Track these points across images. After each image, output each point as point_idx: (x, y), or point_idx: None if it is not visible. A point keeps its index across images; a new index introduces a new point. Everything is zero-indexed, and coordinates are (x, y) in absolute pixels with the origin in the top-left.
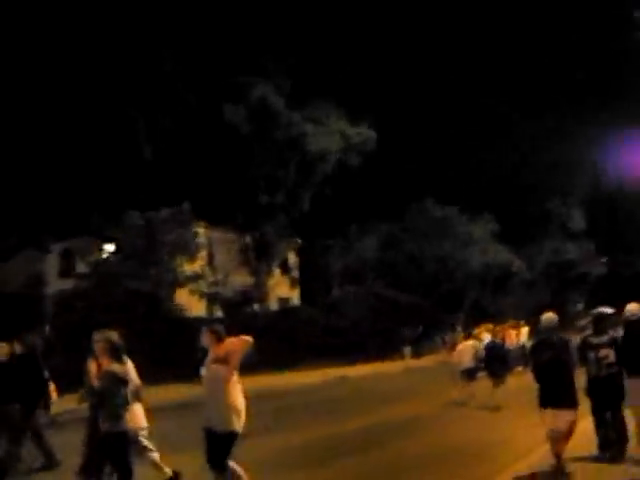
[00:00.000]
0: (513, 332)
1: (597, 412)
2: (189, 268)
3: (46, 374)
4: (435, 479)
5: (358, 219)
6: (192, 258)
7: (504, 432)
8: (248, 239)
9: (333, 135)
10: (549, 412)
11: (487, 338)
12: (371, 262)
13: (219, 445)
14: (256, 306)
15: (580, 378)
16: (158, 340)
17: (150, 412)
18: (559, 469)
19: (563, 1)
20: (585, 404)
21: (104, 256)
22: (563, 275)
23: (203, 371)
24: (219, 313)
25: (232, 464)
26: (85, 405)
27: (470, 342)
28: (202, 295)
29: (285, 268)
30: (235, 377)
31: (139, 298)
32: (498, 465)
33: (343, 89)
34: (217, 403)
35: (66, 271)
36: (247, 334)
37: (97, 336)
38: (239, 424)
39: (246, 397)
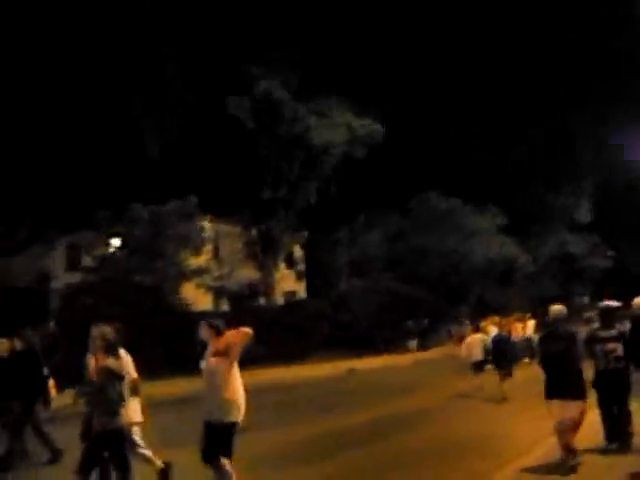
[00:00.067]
0: (519, 325)
1: (604, 405)
2: (195, 262)
3: (46, 370)
4: (433, 473)
5: (364, 212)
6: (198, 252)
7: (510, 425)
8: (254, 232)
9: (338, 128)
10: (556, 403)
11: (494, 331)
12: (377, 255)
13: (219, 437)
14: (262, 300)
15: (587, 371)
16: (164, 334)
17: (155, 406)
18: (567, 460)
19: None
20: (592, 397)
21: (110, 250)
22: (568, 268)
23: (203, 364)
24: (225, 307)
25: (225, 461)
26: (81, 402)
27: (478, 335)
28: (208, 289)
29: (291, 262)
30: (235, 369)
31: (145, 292)
32: (501, 459)
33: (349, 82)
34: (217, 396)
35: (72, 265)
36: (253, 327)
37: (94, 331)
38: (239, 416)
39: (253, 390)
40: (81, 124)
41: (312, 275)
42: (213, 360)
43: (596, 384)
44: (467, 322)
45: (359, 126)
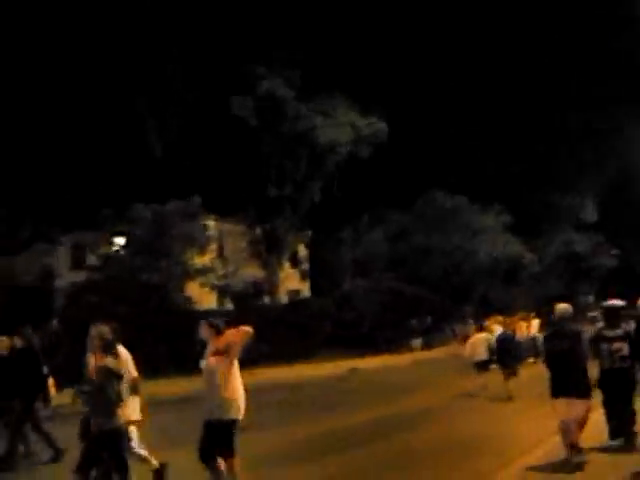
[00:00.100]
0: (524, 324)
1: (608, 404)
2: (199, 261)
3: (45, 369)
4: (436, 472)
5: (368, 211)
6: (202, 251)
7: (514, 423)
8: (258, 231)
9: (343, 127)
10: (562, 401)
11: (498, 330)
12: (381, 255)
13: (220, 436)
14: (266, 298)
15: (592, 370)
16: (168, 333)
17: (158, 405)
18: (572, 459)
19: None
20: (597, 396)
21: (114, 249)
22: (574, 267)
23: (202, 364)
24: (229, 306)
25: (219, 459)
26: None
27: (483, 334)
28: (212, 288)
29: (295, 261)
30: (235, 368)
31: (149, 291)
32: (505, 457)
33: (353, 81)
34: (217, 395)
35: (77, 264)
36: (257, 326)
37: (92, 331)
38: (239, 414)
39: (256, 390)
40: (85, 123)
41: (316, 274)
42: (213, 359)
43: (601, 383)
44: (471, 321)
45: (363, 125)
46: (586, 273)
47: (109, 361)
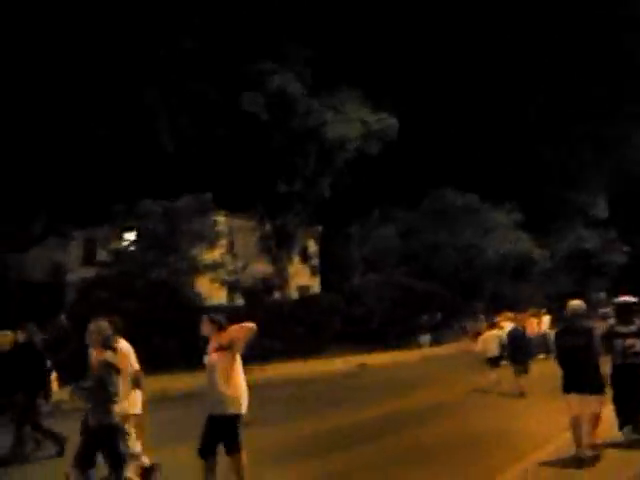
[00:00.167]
0: (534, 320)
1: (619, 400)
2: (209, 256)
3: (48, 363)
4: (446, 468)
5: (378, 207)
6: (212, 246)
7: (525, 420)
8: (268, 227)
9: (353, 123)
10: (574, 397)
11: (509, 326)
12: (391, 250)
13: (224, 431)
14: (276, 294)
15: (604, 366)
16: (178, 328)
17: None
18: (585, 454)
19: None
20: (608, 392)
21: (124, 244)
22: (585, 264)
23: (206, 359)
24: (240, 301)
25: (217, 461)
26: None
27: (494, 331)
28: (222, 283)
29: (305, 256)
30: (238, 364)
31: (159, 286)
32: (516, 453)
33: (363, 77)
34: (219, 391)
35: (88, 260)
36: (268, 322)
37: (91, 326)
38: (241, 409)
39: (264, 385)
40: (96, 118)
41: (326, 270)
42: (215, 355)
43: (613, 379)
44: (482, 317)
45: (374, 121)
46: (597, 270)
47: (108, 355)
